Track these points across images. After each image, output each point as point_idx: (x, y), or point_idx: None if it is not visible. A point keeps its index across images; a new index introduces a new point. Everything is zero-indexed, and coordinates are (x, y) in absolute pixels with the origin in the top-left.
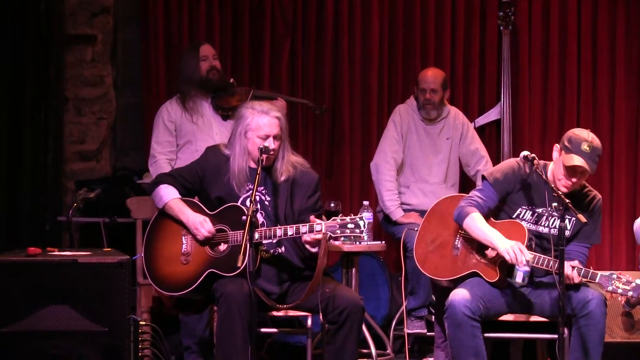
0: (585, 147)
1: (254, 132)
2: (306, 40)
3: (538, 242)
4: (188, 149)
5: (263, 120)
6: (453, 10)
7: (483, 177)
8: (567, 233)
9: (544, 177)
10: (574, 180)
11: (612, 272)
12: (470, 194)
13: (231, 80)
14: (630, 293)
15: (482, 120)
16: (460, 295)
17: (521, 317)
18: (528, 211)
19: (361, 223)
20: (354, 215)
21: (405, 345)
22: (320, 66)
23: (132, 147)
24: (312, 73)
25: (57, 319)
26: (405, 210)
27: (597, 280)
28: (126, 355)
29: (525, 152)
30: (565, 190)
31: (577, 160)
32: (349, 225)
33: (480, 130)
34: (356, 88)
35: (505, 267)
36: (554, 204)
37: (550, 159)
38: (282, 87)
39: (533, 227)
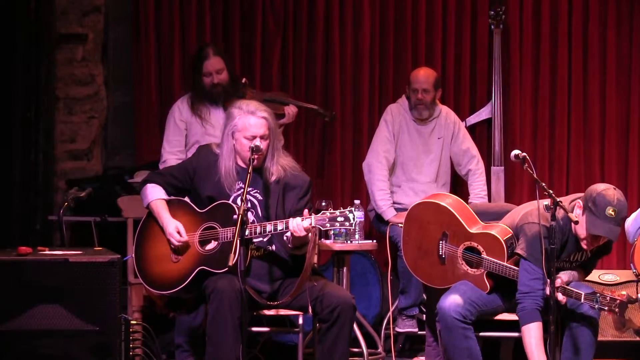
0: (610, 212)
1: (241, 133)
2: (297, 39)
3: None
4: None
5: (250, 121)
6: (444, 9)
7: (522, 257)
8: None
9: (535, 176)
10: (600, 242)
11: (594, 291)
12: (530, 287)
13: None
14: (617, 310)
15: (473, 119)
16: (450, 300)
17: (513, 316)
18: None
19: (351, 216)
20: (343, 209)
21: (391, 343)
22: (311, 65)
23: (123, 146)
24: (303, 71)
25: (47, 318)
26: (396, 210)
27: (582, 301)
28: (117, 355)
29: (516, 151)
30: (587, 249)
31: (601, 231)
32: (339, 219)
33: (471, 129)
34: (347, 87)
35: (495, 277)
36: (545, 203)
37: (540, 159)
38: (273, 85)
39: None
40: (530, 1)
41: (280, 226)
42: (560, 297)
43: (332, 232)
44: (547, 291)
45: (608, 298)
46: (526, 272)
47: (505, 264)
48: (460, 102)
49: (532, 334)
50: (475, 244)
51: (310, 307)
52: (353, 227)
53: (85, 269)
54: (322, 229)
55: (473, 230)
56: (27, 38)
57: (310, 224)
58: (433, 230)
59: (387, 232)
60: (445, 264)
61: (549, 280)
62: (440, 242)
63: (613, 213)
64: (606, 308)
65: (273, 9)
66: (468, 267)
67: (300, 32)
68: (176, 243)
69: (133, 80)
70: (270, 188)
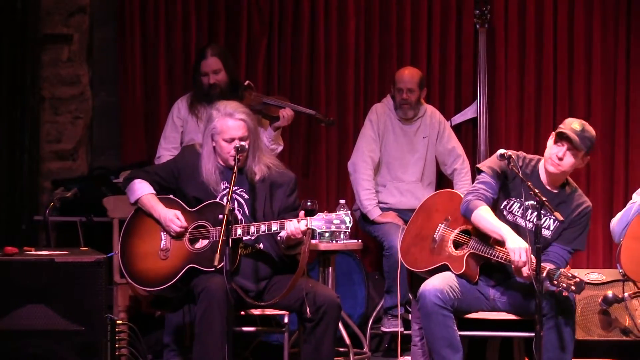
0: (576, 125)
1: (220, 135)
2: (282, 39)
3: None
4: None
5: (228, 123)
6: (429, 8)
7: (479, 170)
8: (548, 233)
9: (520, 174)
10: (560, 153)
11: (559, 268)
12: (474, 187)
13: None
14: (572, 288)
15: (458, 118)
16: (430, 285)
17: (498, 315)
18: (516, 203)
19: (347, 219)
20: (339, 212)
21: (398, 344)
22: (297, 65)
23: (109, 146)
24: (288, 71)
25: (34, 318)
26: (382, 209)
27: (544, 274)
28: (103, 354)
29: (502, 150)
30: (553, 170)
31: (564, 129)
32: (335, 221)
33: (457, 129)
34: (332, 87)
35: (477, 261)
36: (530, 202)
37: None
38: (258, 85)
39: (521, 222)
40: (515, 1)
41: (275, 227)
42: (525, 271)
43: (326, 234)
44: (527, 272)
45: (569, 275)
46: (480, 180)
47: (492, 246)
48: (446, 102)
49: (485, 214)
50: (470, 227)
51: (308, 309)
52: (349, 230)
53: (71, 269)
54: (318, 230)
55: None
56: (12, 38)
57: (307, 226)
58: (437, 218)
59: (401, 233)
60: (435, 246)
61: (534, 271)
62: (440, 225)
63: (579, 127)
64: (564, 285)
65: (258, 9)
66: (453, 249)
67: (285, 32)
68: (177, 229)
69: (118, 81)
70: (256, 187)
